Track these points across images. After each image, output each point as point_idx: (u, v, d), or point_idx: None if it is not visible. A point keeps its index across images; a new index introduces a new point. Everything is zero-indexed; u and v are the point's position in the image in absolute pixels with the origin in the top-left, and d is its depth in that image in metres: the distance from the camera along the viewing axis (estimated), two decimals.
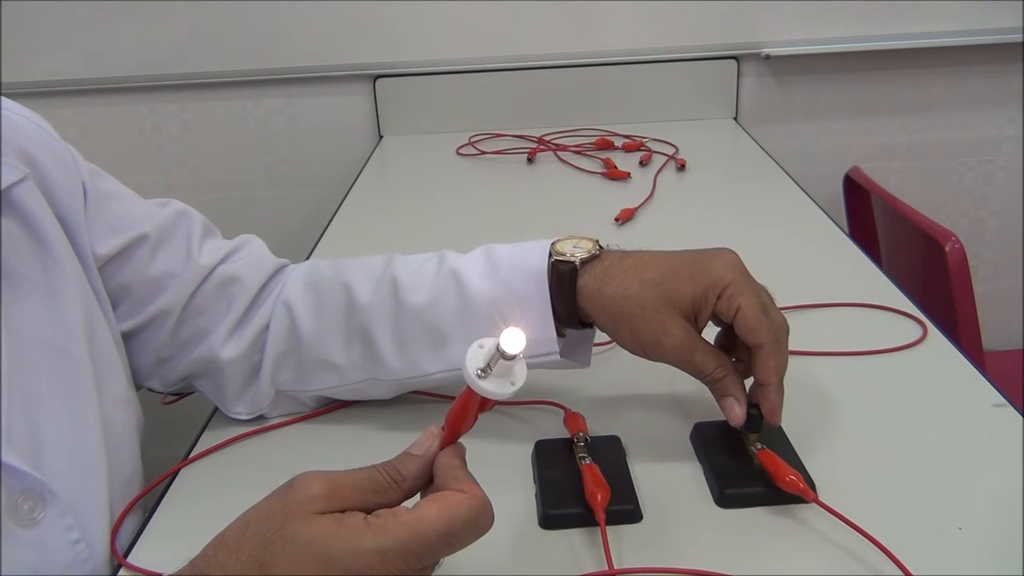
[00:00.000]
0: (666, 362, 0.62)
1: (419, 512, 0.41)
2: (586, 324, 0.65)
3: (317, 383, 0.70)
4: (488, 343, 0.45)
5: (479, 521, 0.42)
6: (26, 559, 0.53)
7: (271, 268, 0.73)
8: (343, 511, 0.42)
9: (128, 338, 0.68)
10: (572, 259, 0.62)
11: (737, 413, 0.60)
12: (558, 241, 0.64)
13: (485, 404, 0.46)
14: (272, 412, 0.72)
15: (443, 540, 0.41)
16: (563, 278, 0.62)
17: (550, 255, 0.63)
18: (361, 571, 0.40)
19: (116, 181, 0.69)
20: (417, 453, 0.46)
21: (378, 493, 0.44)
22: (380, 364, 0.67)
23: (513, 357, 0.44)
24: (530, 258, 0.64)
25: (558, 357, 0.64)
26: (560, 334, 0.65)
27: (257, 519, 0.42)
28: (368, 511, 0.43)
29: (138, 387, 0.71)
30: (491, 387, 0.45)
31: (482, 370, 0.44)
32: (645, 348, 0.62)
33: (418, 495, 0.46)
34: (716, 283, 0.60)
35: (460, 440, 0.47)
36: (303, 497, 0.42)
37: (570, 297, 0.62)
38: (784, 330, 0.61)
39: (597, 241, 0.64)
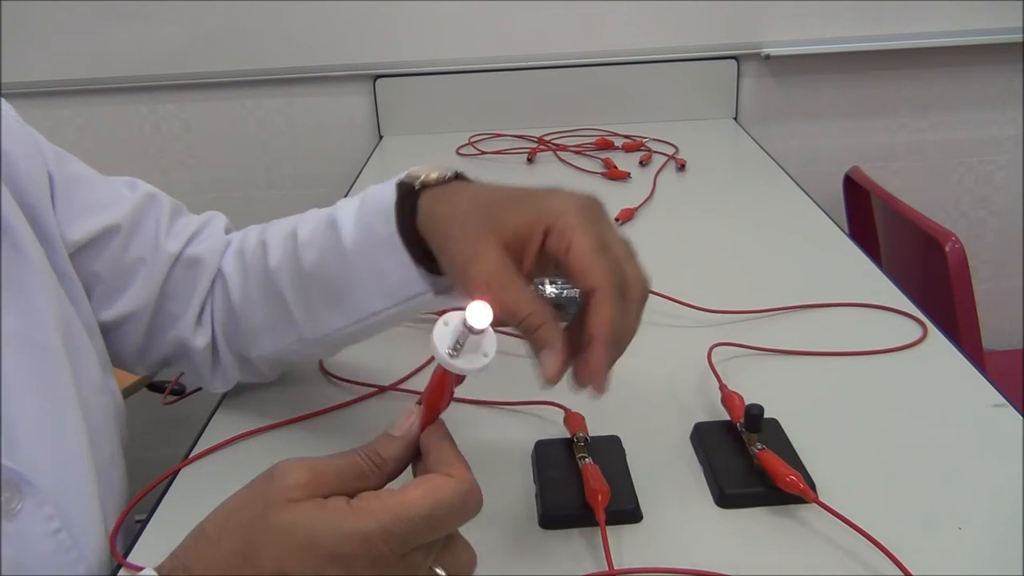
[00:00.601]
0: (475, 295, 0.47)
1: (403, 495, 0.41)
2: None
3: (258, 348, 0.70)
4: (453, 319, 0.44)
5: (465, 504, 0.42)
6: (6, 551, 0.52)
7: (224, 244, 0.73)
8: (325, 498, 0.41)
9: (108, 329, 0.68)
10: (412, 180, 0.57)
11: (551, 365, 0.48)
12: (417, 169, 0.59)
13: (459, 378, 0.46)
14: (245, 379, 0.74)
15: (427, 523, 0.40)
16: (403, 201, 0.58)
17: (399, 183, 0.59)
18: (344, 555, 0.39)
19: (82, 163, 0.69)
20: (397, 435, 0.45)
21: (360, 479, 0.43)
22: (296, 326, 0.66)
23: (481, 331, 0.44)
24: (384, 192, 0.59)
25: (432, 296, 0.59)
26: (434, 272, 0.59)
27: (237, 509, 0.42)
28: (349, 494, 0.42)
29: (125, 372, 0.72)
30: (463, 364, 0.44)
31: (452, 349, 0.44)
32: (457, 276, 0.53)
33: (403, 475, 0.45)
34: (546, 214, 0.51)
35: (457, 444, 0.46)
36: (283, 485, 0.41)
37: (410, 222, 0.57)
38: (634, 284, 0.50)
39: (456, 172, 0.59)
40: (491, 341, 0.45)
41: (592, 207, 0.52)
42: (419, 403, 0.46)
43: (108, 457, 0.62)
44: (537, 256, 0.52)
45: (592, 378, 0.48)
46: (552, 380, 0.49)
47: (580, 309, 0.50)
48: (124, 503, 0.64)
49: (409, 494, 0.41)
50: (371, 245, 0.59)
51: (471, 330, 0.43)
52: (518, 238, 0.51)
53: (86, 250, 0.65)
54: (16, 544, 0.53)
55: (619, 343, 0.50)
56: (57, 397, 0.58)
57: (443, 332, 0.44)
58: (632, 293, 0.50)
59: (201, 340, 0.71)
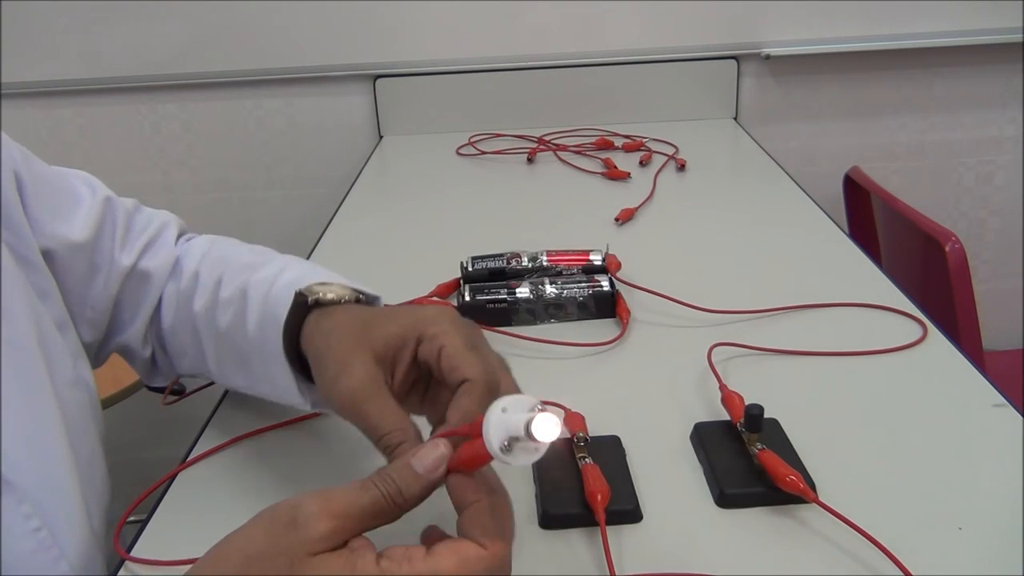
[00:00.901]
0: (341, 411, 0.52)
1: (434, 563, 0.40)
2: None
3: (182, 368, 0.74)
4: (514, 409, 0.40)
5: None
6: None
7: (174, 258, 0.74)
8: (347, 541, 0.41)
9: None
10: (308, 295, 0.58)
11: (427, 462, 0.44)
12: (321, 284, 0.59)
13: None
14: (178, 375, 0.77)
15: None
16: (295, 316, 0.59)
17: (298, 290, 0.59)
18: None
19: (41, 162, 0.69)
20: (420, 472, 0.43)
21: (379, 518, 0.42)
22: (209, 368, 0.70)
23: (540, 443, 0.40)
24: (280, 303, 0.60)
25: (309, 408, 0.62)
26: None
27: (259, 558, 0.40)
28: (368, 530, 0.42)
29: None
30: (514, 460, 0.40)
31: (506, 446, 0.40)
32: (326, 389, 0.53)
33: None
34: (420, 322, 0.53)
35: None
36: (308, 539, 0.40)
37: (295, 334, 0.58)
38: (494, 375, 0.50)
39: (361, 295, 0.60)
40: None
41: (467, 322, 0.54)
42: (448, 443, 0.43)
43: (88, 453, 0.62)
44: (411, 366, 0.53)
45: (427, 468, 0.44)
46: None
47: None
48: (108, 499, 0.64)
49: (440, 564, 0.40)
50: (265, 348, 0.61)
51: (531, 438, 0.39)
52: (389, 348, 0.53)
53: (50, 257, 0.65)
54: None
55: (470, 422, 0.48)
56: (33, 395, 0.57)
57: (500, 422, 0.40)
58: (498, 383, 0.50)
59: (147, 351, 0.75)
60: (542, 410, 0.40)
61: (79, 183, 0.70)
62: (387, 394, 0.51)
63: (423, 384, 0.55)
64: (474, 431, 0.42)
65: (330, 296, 0.58)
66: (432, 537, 0.44)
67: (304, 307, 0.58)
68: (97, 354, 0.74)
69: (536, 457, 0.40)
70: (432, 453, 0.43)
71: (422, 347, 0.52)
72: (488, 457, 0.41)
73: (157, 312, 0.73)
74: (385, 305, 0.61)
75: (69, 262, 0.67)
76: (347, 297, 0.59)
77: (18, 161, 0.64)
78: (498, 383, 0.50)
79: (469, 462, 0.42)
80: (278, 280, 0.62)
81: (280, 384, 0.61)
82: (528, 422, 0.39)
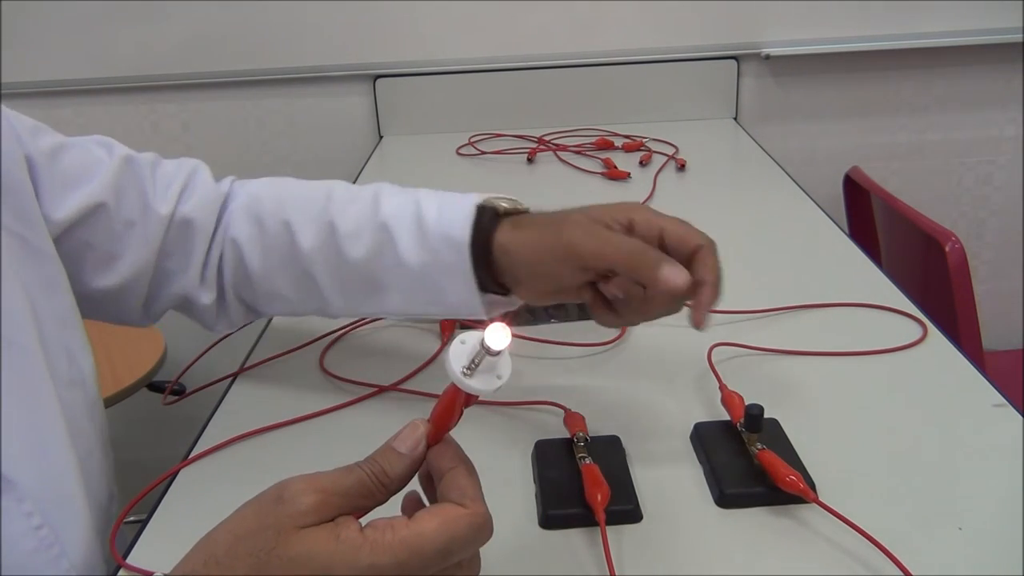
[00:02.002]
0: (577, 257, 0.60)
1: (418, 527, 0.41)
2: (505, 290, 0.66)
3: (272, 309, 0.76)
4: (470, 338, 0.44)
5: (477, 538, 0.42)
6: None
7: (220, 199, 0.75)
8: (333, 519, 0.41)
9: (109, 294, 0.70)
10: (491, 206, 0.64)
11: (681, 274, 0.57)
12: (490, 198, 0.66)
13: (470, 399, 0.45)
14: (249, 321, 0.79)
15: (440, 556, 0.41)
16: (482, 229, 0.64)
17: (477, 211, 0.64)
18: None
19: (53, 132, 0.69)
20: (402, 451, 0.44)
21: (366, 497, 0.43)
22: (325, 303, 0.72)
23: (498, 353, 0.44)
24: (453, 226, 0.65)
25: (484, 316, 0.66)
26: (487, 290, 0.66)
27: (247, 535, 0.41)
28: (356, 513, 0.42)
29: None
30: (478, 384, 0.44)
31: (467, 368, 0.44)
32: (586, 262, 0.60)
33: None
34: (628, 210, 0.61)
35: (453, 437, 0.46)
36: (294, 512, 0.41)
37: (486, 245, 0.64)
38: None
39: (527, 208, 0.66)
40: (506, 363, 0.45)
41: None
42: (428, 421, 0.46)
43: (87, 450, 0.62)
44: None
45: (699, 314, 0.59)
46: (686, 283, 0.57)
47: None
48: (108, 496, 0.64)
49: (423, 526, 0.41)
50: (435, 267, 0.66)
51: (489, 351, 0.43)
52: (613, 220, 0.61)
53: (75, 227, 0.66)
54: None
55: (719, 284, 0.60)
56: (34, 392, 0.57)
57: (459, 351, 0.44)
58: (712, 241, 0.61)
59: (206, 297, 0.74)
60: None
61: (94, 146, 0.70)
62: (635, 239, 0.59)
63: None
64: (443, 399, 0.45)
65: (506, 205, 0.65)
66: (411, 504, 0.46)
67: (492, 218, 0.64)
68: (150, 309, 0.74)
69: (496, 384, 0.44)
70: (412, 434, 0.45)
71: (637, 228, 0.60)
72: (457, 395, 0.44)
73: (237, 259, 0.73)
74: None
75: (91, 227, 0.67)
76: (521, 205, 0.65)
77: (27, 143, 0.64)
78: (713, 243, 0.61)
79: (442, 417, 0.45)
80: (424, 206, 0.67)
81: (453, 300, 0.66)
82: (482, 338, 0.43)
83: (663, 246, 0.60)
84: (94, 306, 0.70)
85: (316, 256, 0.70)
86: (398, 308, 0.71)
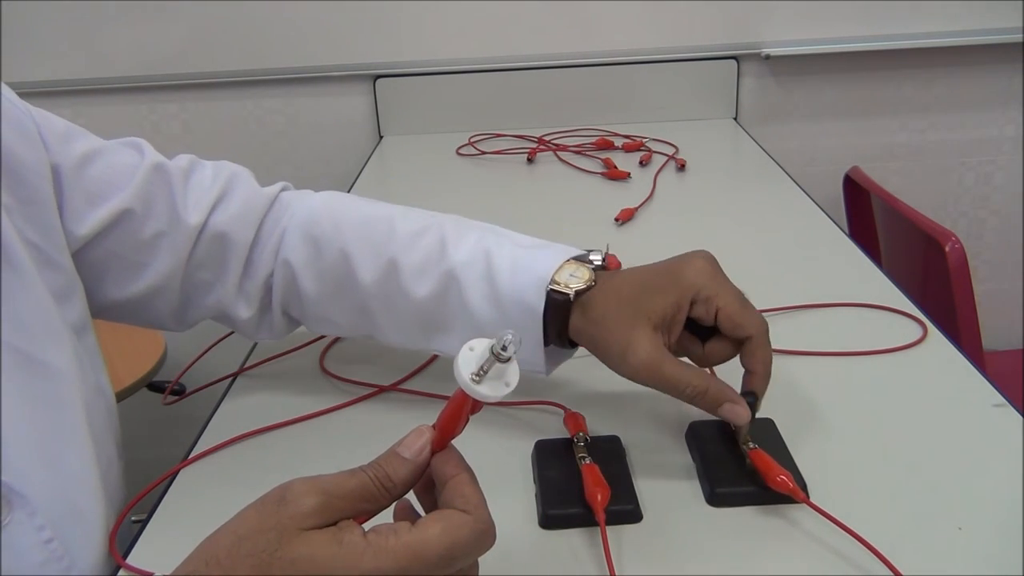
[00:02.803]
0: (639, 381, 0.62)
1: (421, 533, 0.41)
2: (572, 343, 0.66)
3: (320, 329, 0.77)
4: (479, 345, 0.45)
5: (480, 544, 0.42)
6: None
7: (262, 211, 0.72)
8: (336, 522, 0.41)
9: (137, 302, 0.69)
10: (567, 291, 0.63)
11: (741, 413, 0.60)
12: (558, 271, 0.65)
13: (476, 406, 0.45)
14: (291, 331, 0.78)
15: (443, 562, 0.41)
16: (558, 309, 0.64)
17: (548, 286, 0.64)
18: None
19: (88, 135, 0.68)
20: (407, 456, 0.44)
21: (368, 501, 0.43)
22: (378, 332, 0.73)
23: (508, 360, 0.44)
24: (528, 292, 0.65)
25: (546, 374, 0.68)
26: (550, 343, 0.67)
27: (249, 536, 0.41)
28: (358, 517, 0.42)
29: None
30: (486, 391, 0.44)
31: (476, 374, 0.44)
32: (617, 366, 0.62)
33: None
34: (689, 289, 0.61)
35: (456, 445, 0.46)
36: (297, 513, 0.40)
37: (562, 327, 0.64)
38: (766, 325, 0.62)
39: (593, 270, 0.65)
40: (514, 371, 0.45)
41: (716, 269, 0.63)
42: (433, 427, 0.46)
43: (109, 460, 0.62)
44: (683, 325, 0.62)
45: (754, 407, 0.61)
46: (748, 419, 0.60)
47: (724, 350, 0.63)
48: (123, 504, 0.64)
49: (427, 532, 0.41)
50: (503, 323, 0.65)
51: (498, 358, 0.43)
52: (666, 317, 0.61)
53: (100, 237, 0.65)
54: (6, 554, 0.53)
55: (768, 375, 0.62)
56: (51, 407, 0.57)
57: (468, 358, 0.44)
58: (766, 329, 0.62)
59: (245, 311, 0.73)
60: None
61: (126, 150, 0.69)
62: (671, 357, 0.61)
63: (694, 335, 0.64)
64: (451, 406, 0.45)
65: (582, 286, 0.64)
66: (404, 512, 0.46)
67: (566, 304, 0.63)
68: (184, 317, 0.74)
69: (504, 391, 0.44)
70: (418, 439, 0.45)
71: (695, 308, 0.61)
72: (464, 402, 0.44)
73: (289, 280, 0.72)
74: (638, 269, 0.65)
75: (117, 238, 0.66)
76: (592, 280, 0.64)
77: (56, 151, 0.63)
78: (766, 327, 0.61)
79: (448, 423, 0.45)
80: (495, 263, 0.66)
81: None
82: (492, 344, 0.44)
83: (717, 324, 0.61)
84: (124, 312, 0.71)
85: (374, 291, 0.69)
86: (452, 349, 0.68)
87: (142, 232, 0.67)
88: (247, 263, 0.72)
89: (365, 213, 0.72)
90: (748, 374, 0.62)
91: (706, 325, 0.62)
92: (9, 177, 0.59)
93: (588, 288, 0.63)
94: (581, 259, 0.67)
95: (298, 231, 0.72)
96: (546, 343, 0.66)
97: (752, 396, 0.61)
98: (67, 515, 0.56)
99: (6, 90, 0.62)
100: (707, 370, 0.63)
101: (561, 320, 0.64)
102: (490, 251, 0.68)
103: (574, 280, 0.64)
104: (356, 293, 0.70)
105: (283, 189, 0.76)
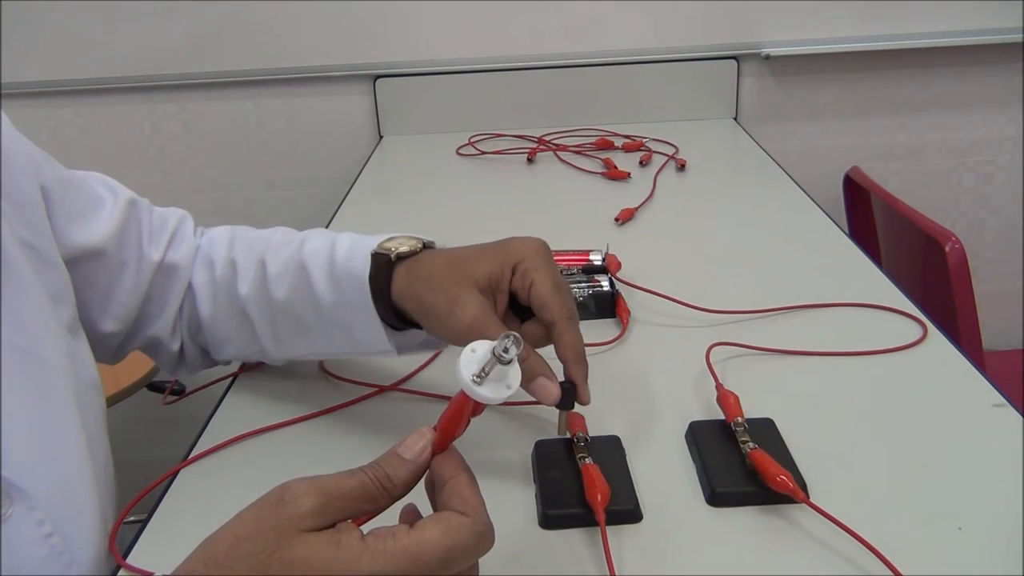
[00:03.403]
0: (460, 341, 0.55)
1: (420, 536, 0.41)
2: (409, 320, 0.65)
3: (224, 354, 0.77)
4: (480, 348, 0.45)
5: (479, 547, 0.42)
6: None
7: (195, 250, 0.77)
8: (335, 523, 0.41)
9: (100, 336, 0.72)
10: (387, 251, 0.64)
11: (551, 391, 0.57)
12: (387, 240, 0.65)
13: (477, 408, 0.46)
14: (206, 367, 0.80)
15: (441, 564, 0.40)
16: (380, 270, 0.64)
17: (374, 254, 0.65)
18: None
19: (60, 166, 0.70)
20: (407, 457, 0.44)
21: (368, 502, 0.43)
22: (261, 345, 0.74)
23: (509, 362, 0.44)
24: (355, 261, 0.65)
25: (395, 354, 0.67)
26: (399, 328, 0.67)
27: (248, 536, 0.41)
28: (358, 517, 0.42)
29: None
30: (487, 392, 0.44)
31: (477, 376, 0.44)
32: (441, 324, 0.60)
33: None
34: (511, 257, 0.61)
35: (456, 446, 0.46)
36: (295, 514, 0.40)
37: (386, 292, 0.64)
38: (573, 311, 0.61)
39: (423, 242, 0.65)
40: (516, 373, 0.45)
41: (545, 251, 0.62)
42: (434, 428, 0.46)
43: (104, 457, 0.62)
44: (507, 296, 0.61)
45: (580, 395, 0.59)
46: (555, 400, 0.58)
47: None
48: (117, 502, 0.64)
49: (425, 535, 0.41)
50: (343, 305, 0.66)
51: (500, 360, 0.43)
52: (491, 280, 0.61)
53: (73, 264, 0.66)
54: (6, 549, 0.53)
55: (583, 358, 0.60)
56: (49, 404, 0.58)
57: (469, 359, 0.44)
58: (575, 315, 0.61)
59: (175, 344, 0.77)
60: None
61: (98, 185, 0.72)
62: (497, 320, 0.59)
63: (517, 312, 0.63)
64: (452, 407, 0.45)
65: (405, 249, 0.64)
66: (410, 515, 0.45)
67: (388, 264, 0.63)
68: (121, 348, 0.76)
69: (506, 393, 0.44)
70: (418, 441, 0.45)
71: (515, 278, 0.61)
72: (466, 404, 0.44)
73: (192, 305, 0.75)
74: (461, 246, 0.65)
75: (94, 266, 0.69)
76: (418, 247, 0.64)
77: (44, 171, 0.65)
78: (574, 312, 0.60)
79: (449, 424, 0.45)
80: (337, 247, 0.67)
81: (362, 337, 0.66)
82: (493, 347, 0.44)
83: (528, 302, 0.61)
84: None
85: (251, 299, 0.72)
86: (320, 348, 0.71)
87: (109, 264, 0.70)
88: (184, 299, 0.76)
89: (258, 232, 0.77)
90: (563, 364, 0.60)
91: (523, 303, 0.61)
92: (6, 181, 0.60)
93: (413, 252, 0.64)
94: (420, 239, 0.66)
95: (201, 256, 0.76)
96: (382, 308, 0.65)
97: (568, 383, 0.59)
98: (66, 510, 0.56)
99: None
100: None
101: (386, 284, 0.64)
102: (336, 239, 0.69)
103: (400, 245, 0.64)
104: (239, 302, 0.73)
105: (203, 232, 0.79)
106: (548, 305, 0.59)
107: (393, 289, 0.64)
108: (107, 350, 0.75)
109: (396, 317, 0.65)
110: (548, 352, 0.60)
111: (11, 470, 0.54)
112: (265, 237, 0.75)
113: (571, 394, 0.59)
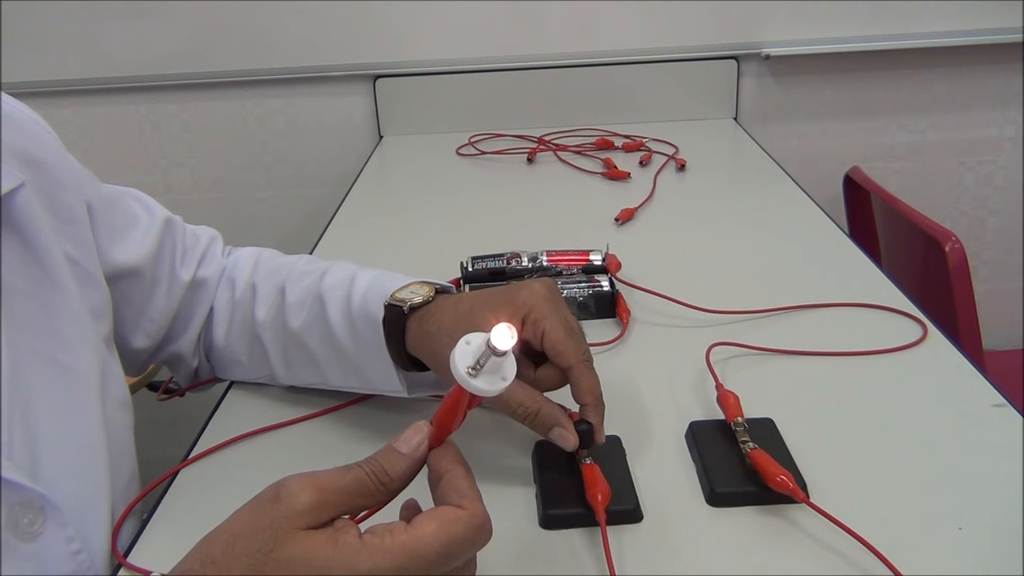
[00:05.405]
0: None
1: (417, 532, 0.41)
2: (421, 365, 0.66)
3: (233, 375, 0.79)
4: (476, 339, 0.44)
5: (477, 538, 0.42)
6: (25, 570, 0.52)
7: (223, 268, 0.79)
8: (332, 519, 0.41)
9: (135, 352, 0.74)
10: (401, 304, 0.64)
11: (569, 440, 0.59)
12: (401, 288, 0.66)
13: (473, 400, 0.45)
14: (211, 382, 0.81)
15: (440, 559, 0.40)
16: (395, 322, 0.64)
17: (387, 301, 0.65)
18: None
19: (100, 182, 0.71)
20: (404, 451, 0.44)
21: (365, 497, 0.43)
22: (271, 370, 0.75)
23: (504, 353, 0.43)
24: (371, 305, 0.66)
25: (406, 394, 0.67)
26: (407, 369, 0.67)
27: (244, 534, 0.40)
28: (355, 513, 0.42)
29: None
30: (483, 384, 0.43)
31: (472, 368, 0.43)
32: (452, 378, 0.61)
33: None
34: (521, 308, 0.61)
35: (453, 441, 0.46)
36: (291, 512, 0.40)
37: (399, 340, 0.65)
38: (588, 355, 0.61)
39: (437, 291, 0.66)
40: (511, 365, 0.45)
41: (554, 295, 0.62)
42: (430, 422, 0.46)
43: (131, 474, 0.63)
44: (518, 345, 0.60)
45: (596, 437, 0.60)
46: (575, 447, 0.59)
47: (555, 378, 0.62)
48: (139, 520, 0.64)
49: (422, 530, 0.41)
50: (357, 345, 0.67)
51: (494, 351, 0.43)
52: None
53: (111, 281, 0.67)
54: (37, 565, 0.53)
55: (601, 400, 0.60)
56: (79, 419, 0.58)
57: (464, 351, 0.44)
58: (589, 358, 0.61)
59: (196, 360, 0.78)
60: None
61: (135, 203, 0.73)
62: None
63: (531, 357, 0.63)
64: (448, 401, 0.45)
65: (418, 300, 0.64)
66: (410, 511, 0.45)
67: (401, 316, 0.64)
68: (145, 363, 0.77)
69: (501, 385, 0.44)
70: (415, 435, 0.45)
71: (525, 329, 0.60)
72: (461, 396, 0.44)
73: (209, 324, 0.77)
74: (472, 289, 0.66)
75: (130, 284, 0.70)
76: (431, 295, 0.64)
77: (88, 189, 0.66)
78: (589, 355, 0.61)
79: (445, 417, 0.45)
80: (355, 286, 0.68)
81: (373, 376, 0.67)
82: (488, 339, 0.43)
83: (542, 349, 0.61)
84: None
85: (266, 326, 0.73)
86: (331, 380, 0.72)
87: (144, 282, 0.71)
88: (207, 317, 0.77)
89: (283, 257, 0.78)
90: (580, 407, 0.60)
91: (536, 349, 0.61)
92: (53, 200, 0.61)
93: (425, 303, 0.64)
94: (434, 285, 0.67)
95: (225, 277, 0.77)
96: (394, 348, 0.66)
97: (585, 423, 0.60)
98: (93, 527, 0.57)
99: (42, 120, 0.65)
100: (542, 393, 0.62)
101: (400, 333, 0.64)
102: (356, 277, 0.69)
103: (413, 296, 0.65)
104: (254, 327, 0.74)
105: (231, 251, 0.81)
106: (563, 352, 0.60)
107: (407, 340, 0.64)
108: (133, 365, 0.76)
109: (409, 361, 0.66)
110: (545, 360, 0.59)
111: (45, 485, 0.54)
112: (289, 264, 0.76)
113: (589, 435, 0.60)
